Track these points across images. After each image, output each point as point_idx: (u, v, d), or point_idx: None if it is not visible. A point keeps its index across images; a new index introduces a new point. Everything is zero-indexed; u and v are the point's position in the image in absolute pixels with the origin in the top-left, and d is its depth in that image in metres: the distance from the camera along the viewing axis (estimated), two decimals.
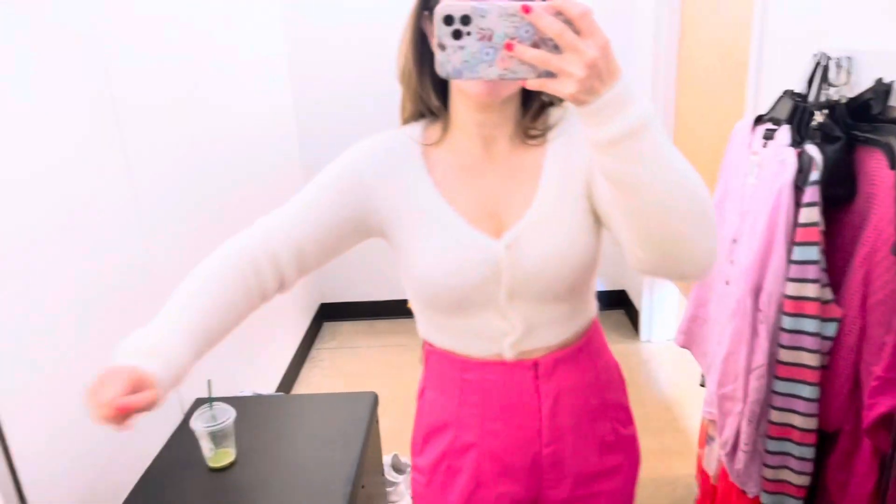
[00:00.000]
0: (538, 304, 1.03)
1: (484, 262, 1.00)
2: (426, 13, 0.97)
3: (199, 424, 1.62)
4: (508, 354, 1.06)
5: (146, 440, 1.75)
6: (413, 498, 1.23)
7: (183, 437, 1.79)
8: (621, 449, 1.17)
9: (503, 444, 1.10)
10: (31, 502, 1.31)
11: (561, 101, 1.04)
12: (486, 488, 1.13)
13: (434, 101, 1.03)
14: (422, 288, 1.04)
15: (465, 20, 0.71)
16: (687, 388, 2.95)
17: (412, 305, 1.14)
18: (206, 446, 1.65)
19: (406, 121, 1.09)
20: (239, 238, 1.04)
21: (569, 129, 1.03)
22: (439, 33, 0.73)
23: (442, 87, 1.03)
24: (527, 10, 0.70)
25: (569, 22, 0.70)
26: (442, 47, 0.73)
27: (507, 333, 1.05)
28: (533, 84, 0.74)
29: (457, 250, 1.01)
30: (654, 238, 0.82)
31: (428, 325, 1.13)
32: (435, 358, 1.14)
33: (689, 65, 2.82)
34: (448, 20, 0.72)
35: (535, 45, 0.72)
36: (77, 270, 1.51)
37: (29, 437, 1.33)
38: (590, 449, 1.13)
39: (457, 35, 0.72)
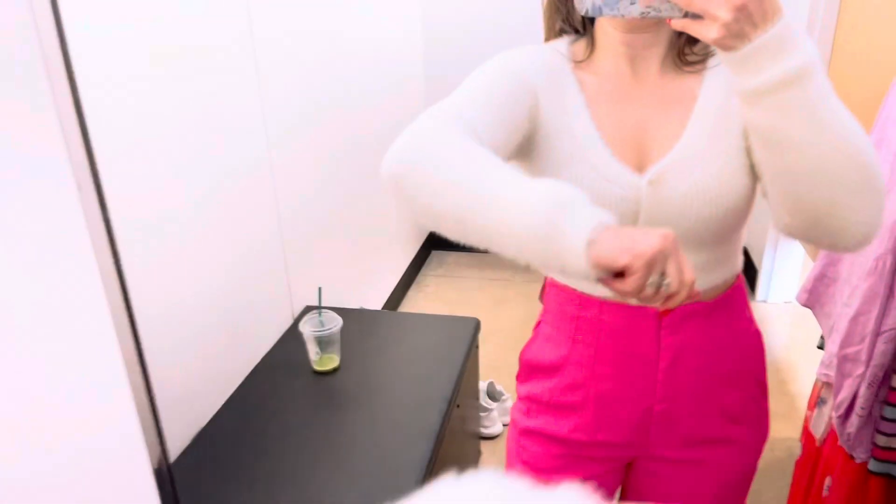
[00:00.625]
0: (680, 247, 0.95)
1: (623, 199, 0.90)
2: None
3: (307, 328, 1.70)
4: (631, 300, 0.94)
5: (257, 339, 1.84)
6: (511, 423, 1.18)
7: (292, 340, 1.87)
8: (748, 422, 1.07)
9: (613, 391, 1.02)
10: (150, 374, 1.42)
11: None
12: (585, 433, 1.05)
13: (577, 15, 0.94)
14: None
15: None
16: (798, 351, 2.83)
17: None
18: (312, 350, 1.73)
19: (547, 37, 1.00)
20: (441, 120, 0.83)
21: None
22: None
23: None
24: None
25: None
26: None
27: None
28: (677, 24, 0.69)
29: (596, 183, 0.90)
30: (804, 204, 0.74)
31: None
32: (554, 291, 1.06)
33: (851, 20, 2.60)
34: None
35: None
36: (204, 163, 1.58)
37: (153, 308, 1.41)
38: (710, 415, 1.03)
39: None
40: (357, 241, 2.63)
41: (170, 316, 1.47)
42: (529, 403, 1.11)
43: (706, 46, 0.93)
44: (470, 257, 3.67)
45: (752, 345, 1.08)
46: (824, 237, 0.77)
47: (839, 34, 2.70)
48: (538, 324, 1.14)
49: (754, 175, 0.92)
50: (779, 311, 3.15)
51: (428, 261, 3.70)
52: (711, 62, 0.93)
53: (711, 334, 1.00)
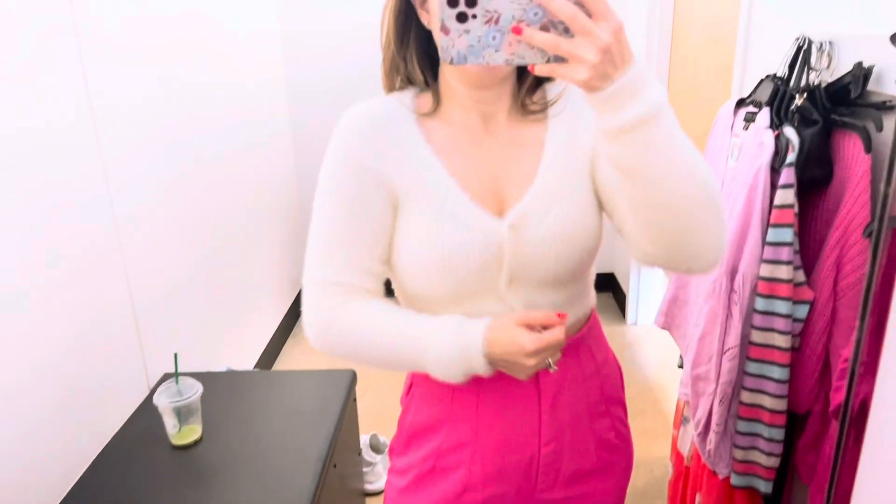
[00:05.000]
0: (539, 288, 0.96)
1: (485, 244, 0.92)
2: None
3: (162, 399, 1.57)
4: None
5: (108, 414, 1.72)
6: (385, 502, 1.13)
7: (147, 413, 1.74)
8: (617, 447, 1.11)
9: (500, 441, 1.01)
10: None
11: None
12: (475, 491, 1.03)
13: (419, 76, 0.96)
14: (416, 273, 0.94)
15: (471, 2, 0.67)
16: (669, 370, 2.96)
17: (398, 296, 1.04)
18: (169, 422, 1.60)
19: (388, 91, 1.01)
20: (324, 304, 0.96)
21: (571, 104, 0.98)
22: (443, 16, 0.68)
23: (430, 58, 0.97)
24: None
25: (580, 4, 0.67)
26: (445, 31, 0.69)
27: None
28: (542, 70, 0.70)
29: (458, 230, 0.91)
30: (664, 231, 0.79)
31: (419, 310, 1.03)
32: None
33: (681, 47, 2.81)
34: (452, 2, 0.68)
35: (545, 29, 0.68)
36: (39, 229, 1.48)
37: None
38: (587, 447, 1.06)
39: (461, 18, 0.68)
40: (223, 298, 2.54)
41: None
42: (411, 474, 1.07)
43: (544, 97, 0.99)
44: None
45: (613, 371, 1.13)
46: (682, 262, 0.83)
47: (672, 84, 2.91)
48: (409, 388, 1.11)
49: (601, 214, 0.98)
50: (648, 333, 3.31)
51: None
52: (552, 111, 0.98)
53: (581, 367, 1.04)
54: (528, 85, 0.97)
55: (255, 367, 2.87)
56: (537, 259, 0.93)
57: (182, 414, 1.60)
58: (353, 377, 1.94)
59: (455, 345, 0.89)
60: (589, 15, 0.67)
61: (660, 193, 0.75)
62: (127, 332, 1.83)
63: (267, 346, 3.03)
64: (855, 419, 1.30)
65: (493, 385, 1.00)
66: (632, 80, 0.69)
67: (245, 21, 2.92)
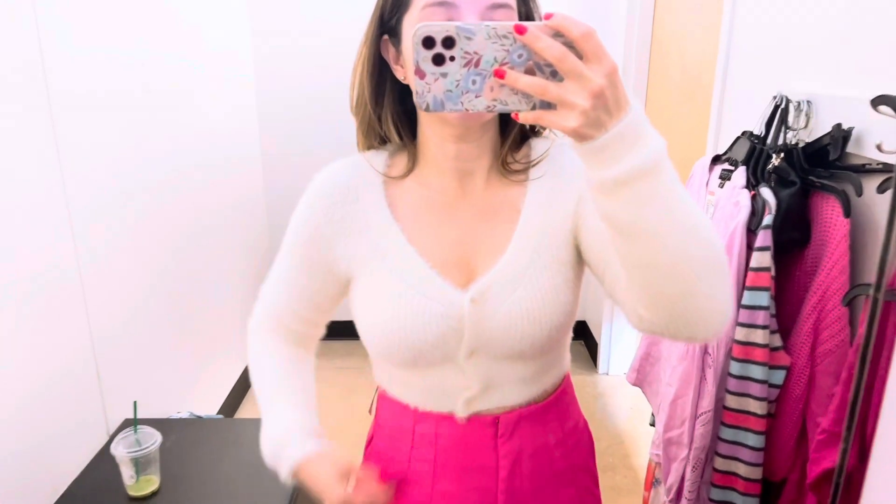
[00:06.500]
0: (501, 361, 0.91)
1: (445, 318, 0.88)
2: (385, 37, 0.86)
3: (119, 449, 1.55)
4: (461, 412, 0.95)
5: (66, 463, 1.66)
6: None
7: (106, 462, 1.70)
8: None
9: None
10: None
11: (544, 130, 0.94)
12: None
13: (395, 137, 0.91)
14: (374, 340, 0.92)
15: (449, 43, 0.61)
16: (642, 424, 2.91)
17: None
18: (126, 473, 1.57)
19: (364, 149, 0.97)
20: (259, 327, 1.07)
21: (554, 165, 0.92)
22: (418, 58, 0.62)
23: (407, 116, 0.92)
24: (521, 30, 0.60)
25: (570, 44, 0.60)
26: (420, 75, 0.62)
27: (464, 391, 0.93)
28: (527, 117, 0.63)
29: (416, 301, 0.88)
30: (663, 295, 0.71)
31: (381, 371, 1.02)
32: (387, 405, 1.02)
33: (658, 102, 2.82)
34: (428, 43, 0.61)
35: (530, 72, 0.62)
36: (3, 293, 1.42)
37: None
38: None
39: (438, 60, 0.62)
40: (187, 339, 2.46)
41: None
42: None
43: (527, 156, 0.93)
44: (319, 344, 3.55)
45: (582, 439, 1.07)
46: (682, 329, 0.74)
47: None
48: (369, 441, 1.09)
49: (578, 285, 0.92)
50: (619, 383, 3.26)
51: None
52: (533, 174, 0.92)
53: (546, 436, 0.99)
54: (511, 140, 0.91)
55: (220, 411, 2.77)
56: (500, 335, 0.88)
57: (140, 464, 1.57)
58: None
59: (273, 446, 0.94)
60: (580, 56, 0.60)
61: (659, 253, 0.67)
62: (87, 376, 1.76)
63: (232, 390, 2.93)
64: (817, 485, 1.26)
65: (452, 450, 0.96)
66: (627, 128, 0.61)
67: (215, 42, 2.88)
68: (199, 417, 2.06)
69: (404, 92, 0.90)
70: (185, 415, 2.09)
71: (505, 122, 0.91)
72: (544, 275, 0.89)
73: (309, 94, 3.35)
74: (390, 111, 0.90)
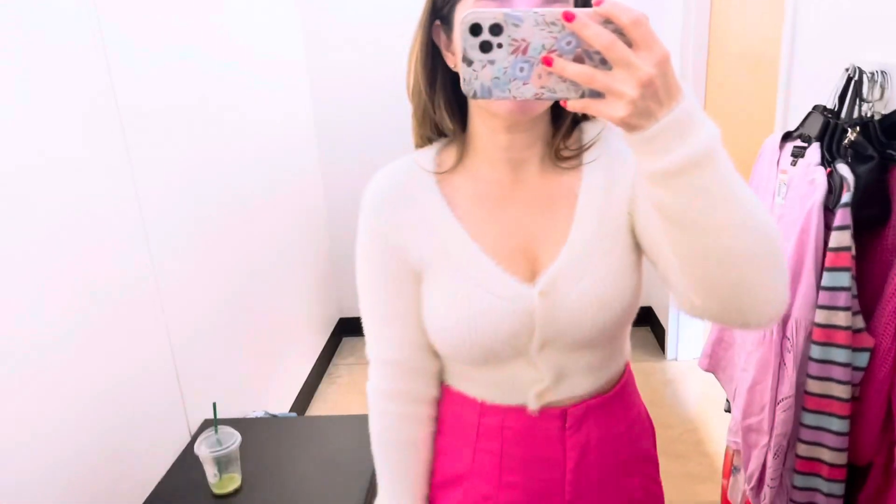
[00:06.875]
0: (572, 352, 0.91)
1: (515, 314, 0.87)
2: (437, 22, 0.86)
3: (202, 449, 1.60)
4: (533, 405, 0.94)
5: (151, 463, 1.72)
6: None
7: (189, 461, 1.76)
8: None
9: (522, 498, 0.97)
10: None
11: (593, 116, 0.92)
12: None
13: (448, 123, 0.90)
14: (444, 341, 0.91)
15: (496, 30, 0.61)
16: (714, 410, 2.85)
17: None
18: (210, 472, 1.62)
19: (419, 143, 0.96)
20: (377, 394, 1.00)
21: (607, 148, 0.91)
22: (465, 45, 0.61)
23: (459, 105, 0.91)
24: (569, 17, 0.59)
25: (619, 32, 0.59)
26: (468, 62, 0.62)
27: (535, 383, 0.92)
28: (575, 105, 0.62)
29: (484, 298, 0.87)
30: (716, 285, 0.70)
31: (445, 366, 1.01)
32: (450, 398, 1.01)
33: (718, 79, 2.75)
34: (475, 30, 0.61)
35: (579, 59, 0.61)
36: (77, 280, 1.47)
37: (22, 455, 1.29)
38: None
39: (485, 47, 0.61)
40: (258, 341, 2.52)
41: (36, 458, 1.33)
42: None
43: (579, 141, 0.92)
44: None
45: (644, 428, 1.06)
46: (737, 317, 0.73)
47: (708, 101, 2.85)
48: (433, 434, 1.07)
49: (640, 267, 0.91)
50: (689, 369, 3.20)
51: (339, 349, 3.59)
52: (586, 157, 0.91)
53: (611, 426, 0.98)
54: (564, 128, 0.90)
55: (292, 409, 2.84)
56: (571, 325, 0.88)
57: (222, 463, 1.62)
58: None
59: None
60: (629, 44, 0.59)
61: (712, 244, 0.66)
62: (167, 380, 1.82)
63: (302, 387, 3.00)
64: None
65: (518, 442, 0.96)
66: (679, 117, 0.60)
67: (272, 56, 2.93)
68: (274, 416, 2.11)
69: (455, 80, 0.89)
70: (260, 414, 2.15)
71: (557, 109, 0.90)
72: (608, 259, 0.88)
73: (362, 98, 3.37)
74: (443, 98, 0.90)
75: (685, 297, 0.77)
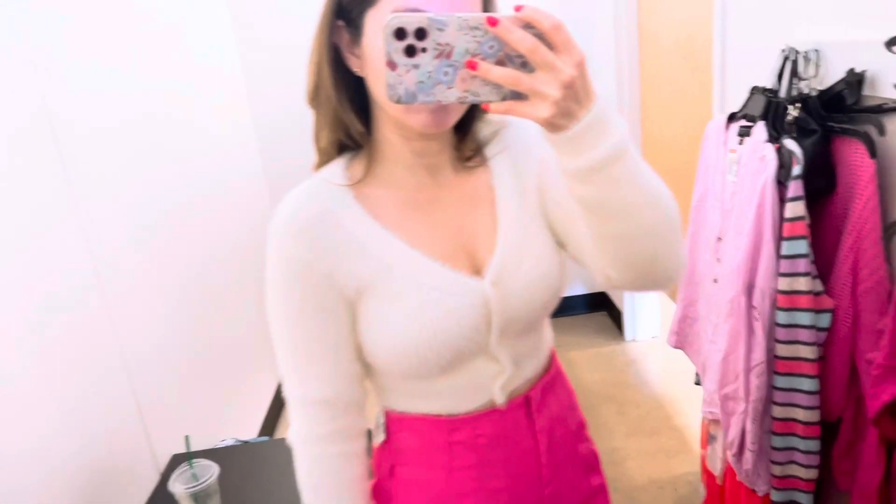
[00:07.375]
0: (523, 335, 0.94)
1: (474, 308, 0.86)
2: (339, 23, 0.82)
3: (178, 486, 1.50)
4: (500, 399, 0.93)
5: None
6: None
7: (161, 499, 1.67)
8: (596, 465, 1.10)
9: (507, 500, 0.97)
10: None
11: (483, 115, 0.92)
12: None
13: (358, 126, 0.86)
14: (404, 357, 0.87)
15: (421, 34, 0.61)
16: (678, 385, 2.95)
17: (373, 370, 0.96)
18: None
19: (323, 154, 0.91)
20: (301, 440, 0.94)
21: (506, 142, 0.94)
22: (389, 49, 0.62)
23: (362, 109, 0.87)
24: (493, 22, 0.61)
25: (540, 36, 0.61)
26: (392, 66, 0.62)
27: (498, 376, 0.93)
28: (498, 108, 0.64)
29: (444, 301, 0.85)
30: (632, 259, 0.77)
31: (394, 394, 0.96)
32: (409, 424, 0.96)
33: (653, 69, 2.84)
34: (400, 34, 0.61)
35: (500, 63, 0.63)
36: (17, 310, 1.38)
37: None
38: (579, 476, 1.05)
39: (410, 52, 0.62)
40: (219, 364, 2.45)
41: None
42: None
43: (476, 139, 0.94)
44: None
45: (572, 391, 1.10)
46: (650, 284, 0.82)
47: (645, 104, 2.94)
48: (389, 471, 1.00)
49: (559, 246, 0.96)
50: (649, 348, 3.30)
51: None
52: (489, 152, 0.94)
53: (561, 400, 1.03)
54: (468, 131, 0.93)
55: (261, 432, 2.80)
56: (522, 308, 0.90)
57: (200, 498, 1.53)
58: (368, 434, 1.88)
59: None
60: (550, 48, 0.62)
61: (628, 225, 0.73)
62: (128, 417, 1.75)
63: (269, 409, 2.96)
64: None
65: (493, 446, 0.95)
66: (598, 116, 0.64)
67: (208, 66, 2.89)
68: (246, 442, 2.05)
69: (358, 83, 0.85)
70: (230, 441, 2.08)
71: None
72: (538, 239, 0.92)
73: (301, 101, 3.34)
74: (348, 101, 0.86)
75: (601, 271, 0.84)
